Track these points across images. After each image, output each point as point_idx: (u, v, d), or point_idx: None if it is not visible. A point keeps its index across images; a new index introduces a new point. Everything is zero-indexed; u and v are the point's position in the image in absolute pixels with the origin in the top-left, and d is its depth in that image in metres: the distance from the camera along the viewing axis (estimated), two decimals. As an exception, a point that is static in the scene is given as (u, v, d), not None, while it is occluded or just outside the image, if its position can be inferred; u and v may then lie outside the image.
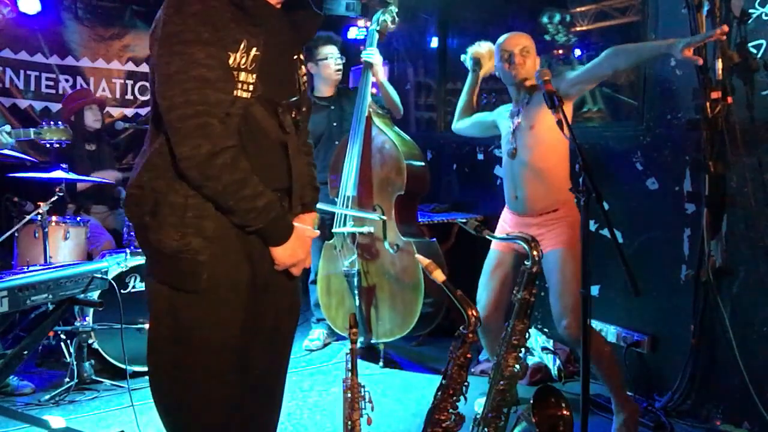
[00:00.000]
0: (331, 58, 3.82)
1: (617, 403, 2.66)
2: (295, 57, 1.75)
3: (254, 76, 1.55)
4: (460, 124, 3.22)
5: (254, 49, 1.54)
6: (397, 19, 3.70)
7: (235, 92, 1.52)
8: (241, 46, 1.52)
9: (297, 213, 1.73)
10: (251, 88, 1.54)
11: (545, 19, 3.18)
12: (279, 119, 1.63)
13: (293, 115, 1.69)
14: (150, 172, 1.55)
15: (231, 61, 1.51)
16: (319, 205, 3.62)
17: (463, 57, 3.20)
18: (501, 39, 2.83)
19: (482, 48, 3.10)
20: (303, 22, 1.74)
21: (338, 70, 3.85)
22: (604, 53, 2.54)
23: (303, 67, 1.79)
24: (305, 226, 1.71)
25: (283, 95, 1.67)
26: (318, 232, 1.78)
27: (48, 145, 3.70)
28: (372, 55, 3.61)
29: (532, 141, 2.73)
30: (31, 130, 3.56)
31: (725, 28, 2.25)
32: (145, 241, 1.57)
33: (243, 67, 1.53)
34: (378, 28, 3.65)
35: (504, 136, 2.89)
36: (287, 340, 1.88)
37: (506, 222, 2.90)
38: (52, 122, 3.68)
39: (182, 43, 1.45)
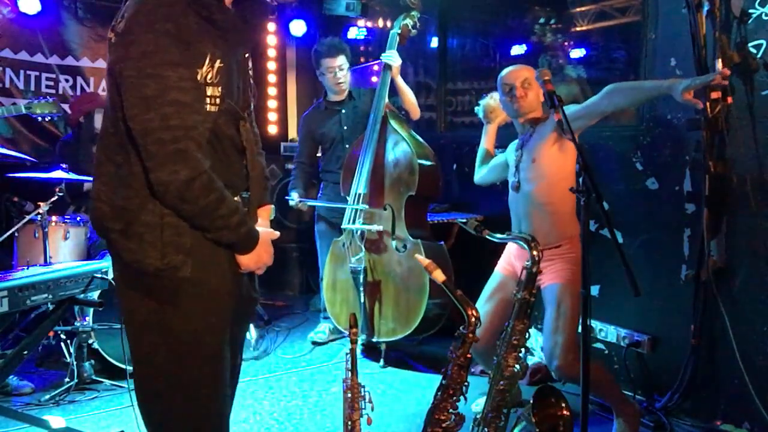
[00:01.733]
0: (331, 73, 3.86)
1: (617, 409, 2.66)
2: (246, 55, 1.73)
3: (220, 89, 1.53)
4: (480, 173, 3.17)
5: (218, 61, 1.52)
6: (418, 24, 3.76)
7: (205, 107, 1.51)
8: (207, 60, 1.49)
9: (254, 210, 1.77)
10: (218, 101, 1.53)
11: (532, 21, 3.17)
12: (240, 131, 1.65)
13: (250, 119, 1.73)
14: (119, 190, 1.52)
15: (199, 77, 1.48)
16: (324, 204, 3.72)
17: (476, 109, 3.17)
18: (502, 73, 2.82)
19: (494, 100, 3.06)
20: (252, 15, 1.70)
21: (339, 83, 3.89)
22: (605, 90, 2.52)
23: (250, 61, 1.78)
24: (268, 229, 1.74)
25: (242, 99, 1.67)
26: (278, 233, 1.79)
27: (40, 119, 3.69)
28: (391, 57, 3.67)
29: (534, 174, 2.69)
30: (22, 105, 3.57)
31: (726, 72, 2.27)
32: (119, 258, 1.56)
33: (210, 81, 1.50)
34: (399, 32, 3.71)
35: (510, 169, 2.86)
36: (245, 335, 1.96)
37: (512, 253, 2.85)
38: (40, 97, 3.68)
39: (155, 65, 1.41)
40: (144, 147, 1.44)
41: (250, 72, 1.76)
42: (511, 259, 2.83)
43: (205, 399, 1.61)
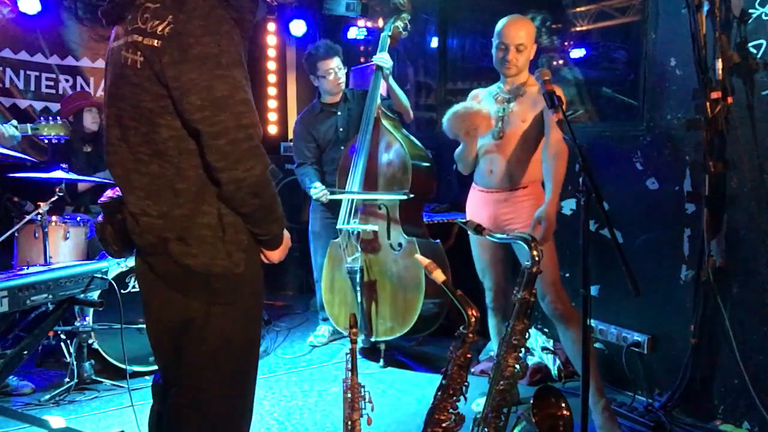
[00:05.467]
0: (331, 74, 3.85)
1: (596, 389, 2.69)
2: None
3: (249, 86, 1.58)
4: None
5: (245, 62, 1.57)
6: (409, 26, 3.78)
7: None
8: (243, 60, 1.53)
9: None
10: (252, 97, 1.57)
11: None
12: None
13: None
14: (164, 198, 1.53)
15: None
16: (346, 194, 3.69)
17: (446, 126, 2.94)
18: (502, 25, 2.81)
19: (474, 106, 2.88)
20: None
21: (339, 83, 3.90)
22: (558, 149, 2.65)
23: None
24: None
25: None
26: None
27: (46, 141, 3.64)
28: (383, 59, 3.68)
29: (522, 133, 2.81)
30: (28, 125, 3.48)
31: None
32: (172, 264, 1.55)
33: (248, 80, 1.54)
34: (390, 34, 3.72)
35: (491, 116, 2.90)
36: None
37: (475, 203, 2.99)
38: (50, 117, 3.60)
39: (222, 66, 1.43)
40: (216, 148, 1.44)
41: None
42: (475, 209, 2.96)
43: (254, 375, 1.74)
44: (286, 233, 1.74)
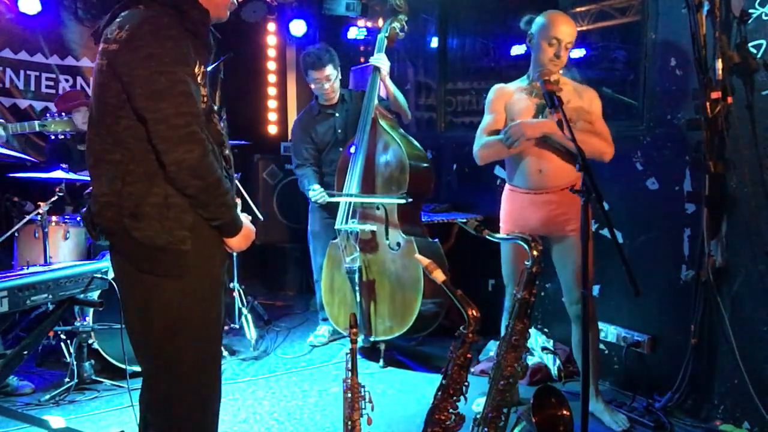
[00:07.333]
0: (317, 84, 3.86)
1: (597, 389, 2.85)
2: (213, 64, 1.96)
3: (205, 89, 1.81)
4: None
5: (202, 66, 1.80)
6: (406, 27, 3.79)
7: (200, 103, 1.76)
8: (196, 64, 1.76)
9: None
10: (205, 99, 1.80)
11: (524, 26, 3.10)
12: (215, 123, 1.88)
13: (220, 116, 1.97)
14: (124, 181, 1.72)
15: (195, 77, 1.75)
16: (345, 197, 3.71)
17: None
18: (552, 20, 2.75)
19: None
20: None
21: (325, 93, 3.88)
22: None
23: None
24: (247, 220, 1.94)
25: (211, 100, 1.90)
26: (254, 228, 1.98)
27: (53, 137, 3.67)
28: (380, 60, 3.69)
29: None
30: (36, 122, 3.54)
31: None
32: (127, 239, 1.74)
33: (200, 83, 1.77)
34: (387, 35, 3.74)
35: (520, 111, 2.83)
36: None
37: (522, 206, 2.88)
38: (56, 114, 3.64)
39: (165, 64, 1.66)
40: (158, 133, 1.66)
41: (221, 76, 1.95)
42: (524, 213, 2.87)
43: (214, 353, 1.90)
44: (250, 225, 1.91)
